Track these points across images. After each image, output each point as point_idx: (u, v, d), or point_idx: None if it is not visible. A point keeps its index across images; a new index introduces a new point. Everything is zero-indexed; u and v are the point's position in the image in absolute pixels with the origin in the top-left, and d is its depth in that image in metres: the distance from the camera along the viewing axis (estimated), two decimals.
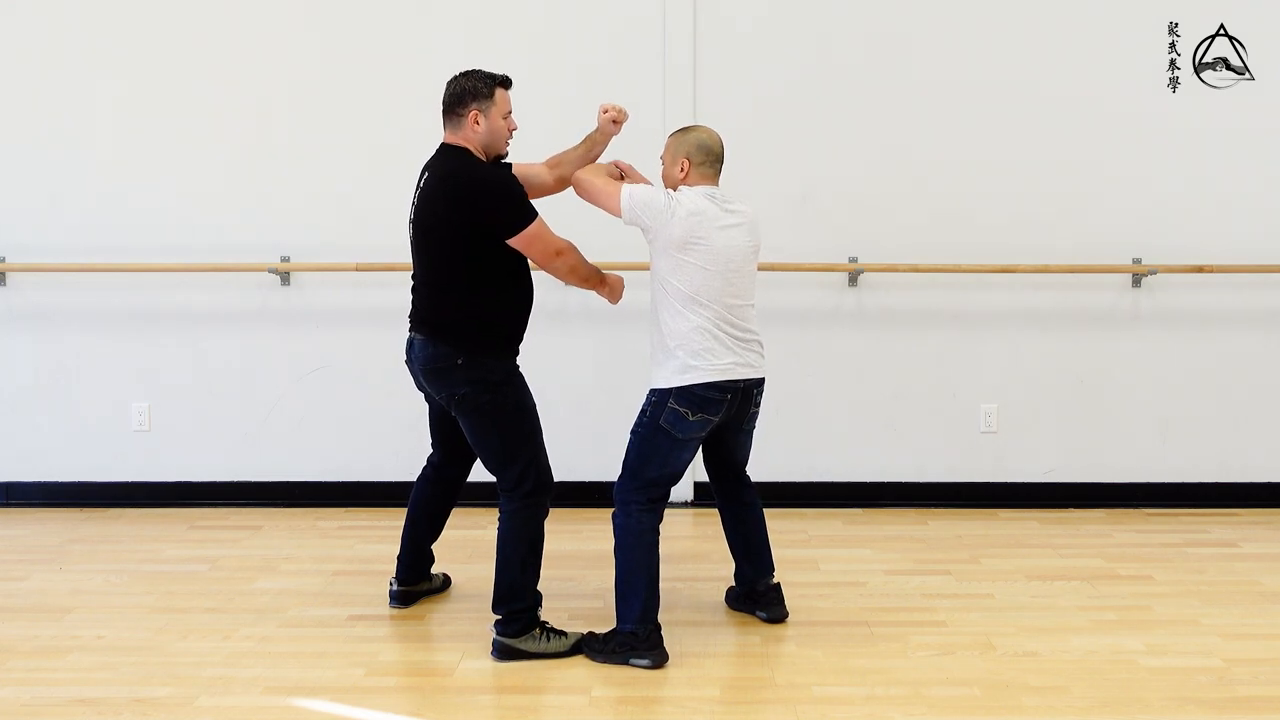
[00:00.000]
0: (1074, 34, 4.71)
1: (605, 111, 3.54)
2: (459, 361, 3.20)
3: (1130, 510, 4.83)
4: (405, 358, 3.37)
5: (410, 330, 3.33)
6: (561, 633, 3.31)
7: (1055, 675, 3.15)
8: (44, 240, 4.76)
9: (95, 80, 4.72)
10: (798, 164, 4.75)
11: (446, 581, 3.87)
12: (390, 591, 3.70)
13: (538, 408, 3.32)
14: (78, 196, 4.77)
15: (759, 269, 4.64)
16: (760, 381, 3.38)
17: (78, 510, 4.82)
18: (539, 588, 3.33)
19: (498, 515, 3.32)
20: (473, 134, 3.24)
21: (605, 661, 3.21)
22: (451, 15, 4.72)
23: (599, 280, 3.45)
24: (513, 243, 3.18)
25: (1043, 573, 4.03)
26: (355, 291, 4.81)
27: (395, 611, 3.65)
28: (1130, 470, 4.89)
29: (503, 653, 3.25)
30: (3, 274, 4.79)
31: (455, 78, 3.29)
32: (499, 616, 3.28)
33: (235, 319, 4.83)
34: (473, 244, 3.16)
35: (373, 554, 4.19)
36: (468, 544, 4.27)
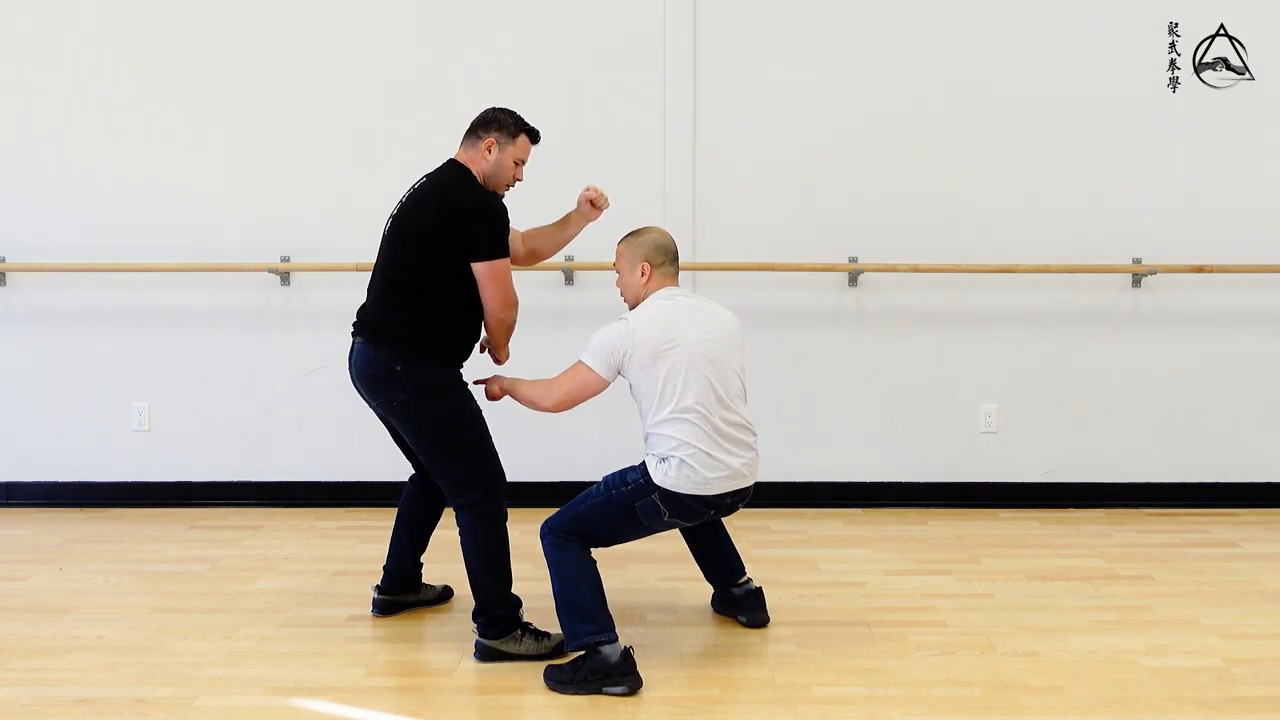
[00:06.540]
0: (1074, 34, 4.71)
1: (586, 190, 3.53)
2: (397, 368, 3.19)
3: (1130, 510, 4.83)
4: (347, 364, 3.34)
5: (352, 335, 3.33)
6: (544, 634, 3.30)
7: (1055, 675, 3.15)
8: (44, 240, 4.76)
9: (95, 80, 4.72)
10: (798, 164, 4.75)
11: (445, 594, 3.78)
12: (373, 599, 3.63)
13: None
14: (78, 196, 4.77)
15: (759, 269, 4.72)
16: (751, 488, 3.21)
17: (78, 510, 4.82)
18: (520, 590, 3.33)
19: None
20: (482, 160, 3.27)
21: (576, 692, 3.01)
22: (450, 15, 4.71)
23: (501, 345, 3.40)
24: (476, 268, 3.16)
25: (1043, 573, 4.03)
26: (355, 291, 4.73)
27: None
28: (1130, 470, 4.89)
29: (484, 654, 3.25)
30: (3, 274, 4.80)
31: (492, 107, 3.33)
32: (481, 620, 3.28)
33: (235, 319, 4.83)
34: (444, 255, 3.16)
35: (373, 554, 4.18)
36: None
